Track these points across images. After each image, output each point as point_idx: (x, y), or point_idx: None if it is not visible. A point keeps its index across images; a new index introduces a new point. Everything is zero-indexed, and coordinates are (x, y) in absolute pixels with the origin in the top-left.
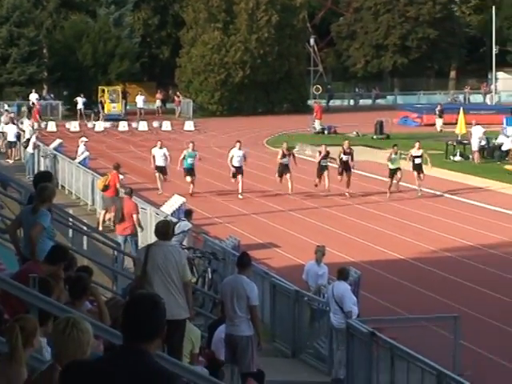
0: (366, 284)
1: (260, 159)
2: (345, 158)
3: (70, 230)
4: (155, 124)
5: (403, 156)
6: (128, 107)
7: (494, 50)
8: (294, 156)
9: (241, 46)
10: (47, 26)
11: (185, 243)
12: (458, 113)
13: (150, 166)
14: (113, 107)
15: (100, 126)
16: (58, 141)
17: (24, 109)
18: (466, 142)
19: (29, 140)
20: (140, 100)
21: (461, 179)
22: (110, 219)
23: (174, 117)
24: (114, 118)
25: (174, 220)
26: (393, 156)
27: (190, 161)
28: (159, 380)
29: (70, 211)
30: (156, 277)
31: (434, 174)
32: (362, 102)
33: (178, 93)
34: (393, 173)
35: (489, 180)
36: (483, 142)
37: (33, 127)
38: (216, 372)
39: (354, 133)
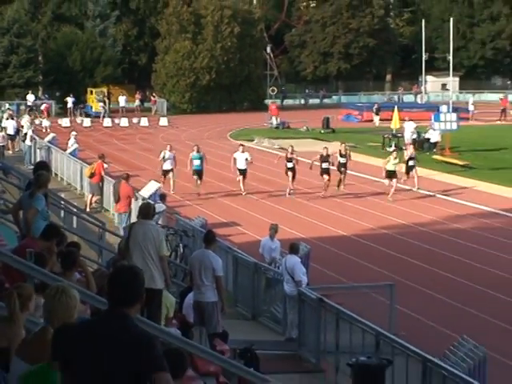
0: (314, 257)
1: (223, 150)
2: (342, 160)
3: (62, 211)
4: (135, 120)
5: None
6: (111, 106)
7: (423, 56)
8: (297, 160)
9: (207, 53)
10: (42, 37)
11: (160, 222)
12: (393, 110)
13: (157, 169)
14: (100, 106)
15: (87, 121)
16: (51, 135)
17: (23, 107)
18: (399, 135)
19: (26, 134)
20: (122, 100)
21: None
22: (96, 202)
23: (151, 114)
24: (99, 115)
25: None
26: (392, 160)
27: (196, 163)
28: (137, 339)
29: (62, 195)
30: (136, 251)
31: (372, 163)
32: (311, 101)
33: (153, 93)
34: (390, 174)
35: (419, 168)
36: (414, 136)
37: (31, 123)
38: (187, 333)
39: (305, 128)
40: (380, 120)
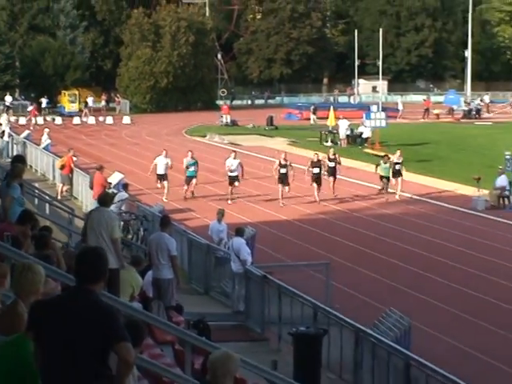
0: (260, 239)
1: (179, 145)
2: (331, 164)
3: (36, 199)
4: (101, 119)
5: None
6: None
7: (356, 62)
8: (291, 167)
9: (165, 59)
10: (19, 45)
11: (123, 208)
12: (329, 110)
13: (148, 173)
14: (71, 106)
15: (59, 120)
16: (26, 131)
17: (1, 107)
18: (335, 131)
19: (4, 131)
20: (90, 100)
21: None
22: (66, 191)
23: (115, 113)
24: (73, 115)
25: (115, 191)
26: (382, 165)
27: (191, 169)
28: (102, 312)
29: (36, 185)
30: (91, 234)
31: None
32: (257, 101)
33: (117, 95)
34: (384, 178)
35: (353, 160)
36: (348, 132)
37: (8, 121)
38: (147, 306)
39: (251, 125)
40: (317, 118)
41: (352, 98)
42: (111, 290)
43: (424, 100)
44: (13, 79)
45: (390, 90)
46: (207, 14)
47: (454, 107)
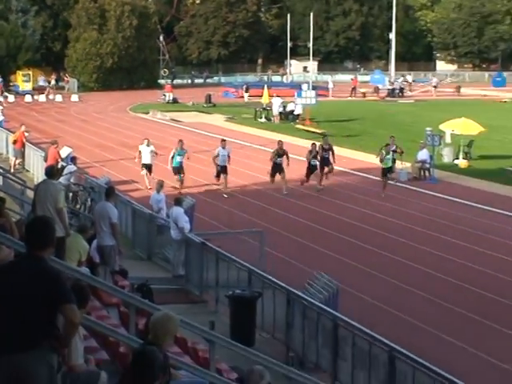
0: (199, 209)
1: (123, 121)
2: (325, 154)
3: None
4: (51, 97)
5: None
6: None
7: (288, 44)
8: (287, 156)
9: (111, 41)
10: None
11: (72, 180)
12: (263, 88)
13: (135, 160)
14: (25, 85)
15: (11, 98)
16: None
17: None
18: (268, 108)
19: None
20: (41, 80)
21: (266, 135)
22: (18, 164)
23: (64, 91)
24: (26, 93)
25: (64, 164)
26: (385, 156)
27: (178, 159)
28: (50, 276)
29: None
30: (39, 205)
31: (246, 131)
32: (196, 81)
33: (66, 74)
34: (386, 172)
35: (285, 135)
36: (281, 109)
37: None
38: (93, 271)
39: (191, 103)
40: (252, 96)
41: (285, 77)
42: (57, 257)
43: (351, 79)
44: None
45: (320, 70)
46: None
47: (379, 86)
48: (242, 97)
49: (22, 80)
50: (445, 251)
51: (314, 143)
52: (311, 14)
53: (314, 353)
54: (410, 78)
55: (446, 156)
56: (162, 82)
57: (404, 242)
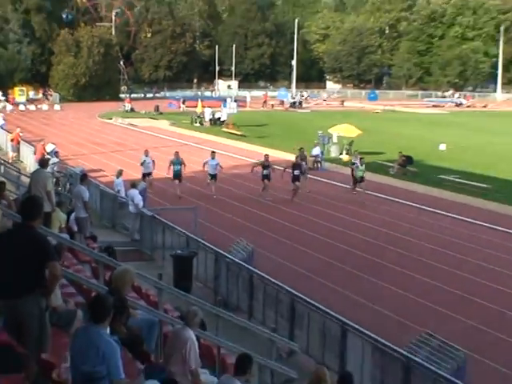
0: (152, 191)
1: (93, 124)
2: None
3: None
4: (39, 106)
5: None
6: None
7: (216, 68)
8: (273, 169)
9: (84, 65)
10: None
11: (56, 169)
12: (198, 100)
13: (138, 164)
14: (21, 98)
15: (10, 107)
16: None
17: None
18: (202, 116)
19: None
20: (31, 94)
21: (199, 136)
22: (15, 157)
23: (49, 102)
24: (21, 103)
25: (49, 157)
26: (360, 167)
27: (176, 168)
28: (39, 240)
29: None
30: (33, 187)
31: (184, 133)
32: (148, 95)
33: (50, 90)
34: (359, 179)
35: (214, 136)
36: (211, 116)
37: None
38: (72, 237)
39: (143, 111)
40: (187, 107)
41: (213, 92)
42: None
43: (263, 95)
44: None
45: (240, 87)
46: (113, 33)
47: (284, 100)
48: (180, 107)
49: (19, 94)
50: (314, 216)
51: (297, 155)
52: (234, 46)
53: (236, 297)
54: (306, 94)
55: (333, 152)
56: (122, 96)
57: (304, 216)
